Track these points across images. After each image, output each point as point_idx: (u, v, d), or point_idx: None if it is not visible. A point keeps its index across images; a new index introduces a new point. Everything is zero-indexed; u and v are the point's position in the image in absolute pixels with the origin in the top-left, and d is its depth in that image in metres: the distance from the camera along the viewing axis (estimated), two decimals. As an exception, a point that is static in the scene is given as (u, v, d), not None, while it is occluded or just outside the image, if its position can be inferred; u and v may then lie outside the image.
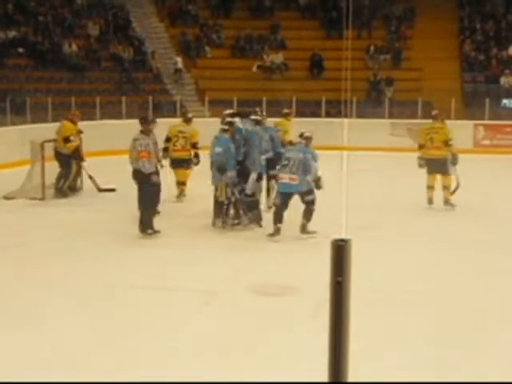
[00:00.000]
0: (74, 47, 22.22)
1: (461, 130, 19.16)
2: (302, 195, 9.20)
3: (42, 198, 11.76)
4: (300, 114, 20.49)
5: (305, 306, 6.52)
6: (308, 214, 9.18)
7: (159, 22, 25.69)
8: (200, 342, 5.70)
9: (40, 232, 9.77)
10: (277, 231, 9.19)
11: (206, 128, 11.61)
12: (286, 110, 14.23)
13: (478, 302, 6.83)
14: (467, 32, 24.71)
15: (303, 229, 9.23)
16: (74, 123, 12.44)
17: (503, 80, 22.47)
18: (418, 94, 21.26)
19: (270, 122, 12.04)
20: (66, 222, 10.44)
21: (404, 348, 5.61)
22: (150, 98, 20.49)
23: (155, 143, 10.12)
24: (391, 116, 20.64)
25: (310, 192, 9.14)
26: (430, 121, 11.91)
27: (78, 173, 12.49)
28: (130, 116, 19.63)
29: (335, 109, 20.70)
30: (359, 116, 19.44)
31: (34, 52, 21.25)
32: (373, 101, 22.28)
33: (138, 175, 9.29)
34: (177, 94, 22.59)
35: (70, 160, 12.25)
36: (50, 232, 9.75)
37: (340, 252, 2.48)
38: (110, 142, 16.31)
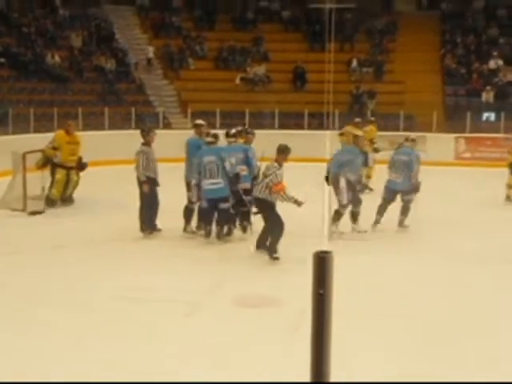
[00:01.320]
0: (57, 58, 22.18)
1: (442, 143, 19.40)
2: (403, 194, 10.45)
3: (24, 210, 11.68)
4: (282, 126, 20.59)
5: (286, 317, 6.52)
6: (405, 210, 10.50)
7: (142, 34, 25.74)
8: (183, 351, 5.72)
9: (21, 242, 9.68)
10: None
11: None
12: (372, 118, 15.37)
13: (469, 306, 6.89)
14: (449, 45, 24.96)
15: (400, 223, 10.56)
16: (68, 133, 12.69)
17: (484, 96, 22.63)
18: (400, 107, 21.41)
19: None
20: (47, 232, 10.38)
21: (390, 355, 5.64)
22: (133, 109, 20.45)
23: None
24: (373, 129, 20.68)
25: (409, 192, 10.37)
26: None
27: (75, 184, 12.63)
28: (112, 127, 19.62)
29: (318, 121, 20.78)
30: (341, 128, 19.48)
31: (16, 63, 21.17)
32: (355, 113, 22.33)
33: (263, 205, 8.82)
34: (159, 106, 22.60)
35: (55, 169, 12.44)
36: (31, 242, 9.67)
37: (322, 264, 2.48)
38: (92, 154, 16.22)
